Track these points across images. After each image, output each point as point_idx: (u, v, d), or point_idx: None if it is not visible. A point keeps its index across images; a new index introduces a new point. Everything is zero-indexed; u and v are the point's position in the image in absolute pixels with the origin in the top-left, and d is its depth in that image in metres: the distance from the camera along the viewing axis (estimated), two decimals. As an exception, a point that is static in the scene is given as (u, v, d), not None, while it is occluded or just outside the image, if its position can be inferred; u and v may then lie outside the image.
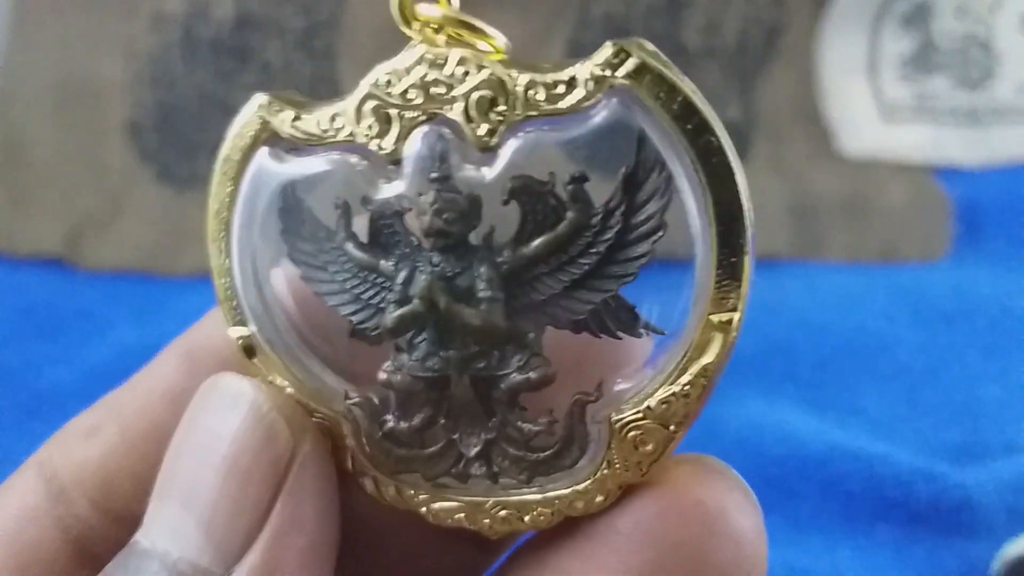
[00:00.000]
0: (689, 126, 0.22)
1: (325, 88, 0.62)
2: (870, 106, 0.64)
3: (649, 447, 0.23)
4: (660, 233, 0.22)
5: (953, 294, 0.56)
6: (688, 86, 0.22)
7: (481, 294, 0.23)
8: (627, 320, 0.23)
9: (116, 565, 0.23)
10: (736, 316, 0.23)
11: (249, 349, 0.25)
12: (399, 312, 0.23)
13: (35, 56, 0.62)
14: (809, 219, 0.60)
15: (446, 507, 0.25)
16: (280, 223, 0.24)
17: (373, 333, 0.24)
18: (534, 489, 0.24)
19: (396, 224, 0.23)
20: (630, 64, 0.22)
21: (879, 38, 0.64)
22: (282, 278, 0.25)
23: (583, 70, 0.22)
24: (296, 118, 0.24)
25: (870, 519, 0.46)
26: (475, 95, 0.22)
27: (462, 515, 0.25)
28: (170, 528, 0.23)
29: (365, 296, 0.24)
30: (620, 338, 0.23)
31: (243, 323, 0.25)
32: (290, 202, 0.24)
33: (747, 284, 0.22)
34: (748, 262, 0.22)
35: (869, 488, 0.47)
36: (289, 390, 0.25)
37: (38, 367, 0.53)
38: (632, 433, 0.23)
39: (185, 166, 0.61)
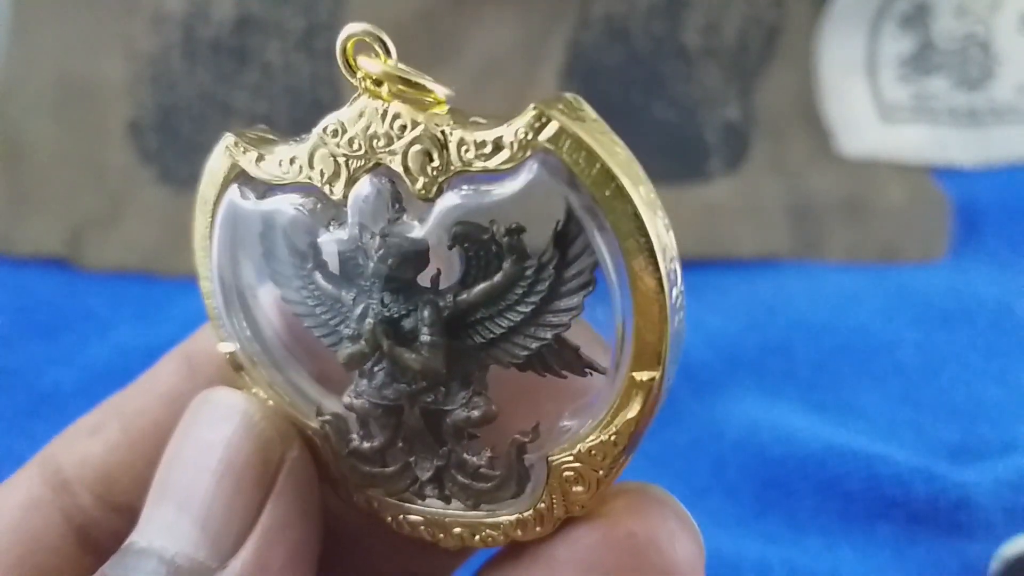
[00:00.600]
0: (607, 192, 0.22)
1: (325, 88, 0.62)
2: (869, 106, 0.64)
3: (580, 488, 0.24)
4: (590, 288, 0.23)
5: (952, 294, 0.56)
6: (606, 151, 0.22)
7: (423, 338, 0.24)
8: (571, 360, 0.24)
9: (113, 564, 0.24)
10: (656, 375, 0.23)
11: (235, 364, 0.27)
12: (349, 350, 0.25)
13: (36, 57, 0.62)
14: (808, 219, 0.61)
15: (410, 520, 0.27)
16: (261, 247, 0.26)
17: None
18: (482, 513, 0.26)
19: (360, 258, 0.24)
20: (550, 129, 0.22)
21: (878, 38, 0.64)
22: (269, 297, 0.27)
23: (508, 131, 0.22)
24: (259, 159, 0.25)
25: (869, 518, 0.46)
26: (412, 149, 0.23)
27: (424, 527, 0.27)
28: (166, 527, 0.24)
29: (332, 323, 0.26)
30: (565, 377, 0.24)
31: (229, 339, 0.27)
32: (269, 228, 0.26)
33: (666, 347, 0.22)
34: (667, 328, 0.22)
35: (868, 487, 0.47)
36: (270, 403, 0.27)
37: (39, 367, 0.53)
38: (566, 473, 0.24)
39: (185, 166, 0.61)
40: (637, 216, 0.22)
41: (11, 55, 0.62)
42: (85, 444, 0.29)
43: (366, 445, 0.26)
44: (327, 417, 0.26)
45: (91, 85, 0.61)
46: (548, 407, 0.25)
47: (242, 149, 0.25)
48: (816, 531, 0.46)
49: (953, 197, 0.61)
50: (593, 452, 0.24)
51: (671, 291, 0.22)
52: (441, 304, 0.24)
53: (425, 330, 0.24)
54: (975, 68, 0.63)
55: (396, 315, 0.24)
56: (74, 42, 0.62)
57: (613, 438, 0.23)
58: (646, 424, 0.23)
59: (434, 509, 0.26)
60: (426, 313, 0.24)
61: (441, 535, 0.27)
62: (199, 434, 0.25)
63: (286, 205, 0.25)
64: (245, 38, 0.62)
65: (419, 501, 0.26)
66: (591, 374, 0.24)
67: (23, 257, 0.58)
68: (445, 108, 0.24)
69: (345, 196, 0.24)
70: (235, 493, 0.24)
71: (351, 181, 0.24)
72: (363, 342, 0.24)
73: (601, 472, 0.24)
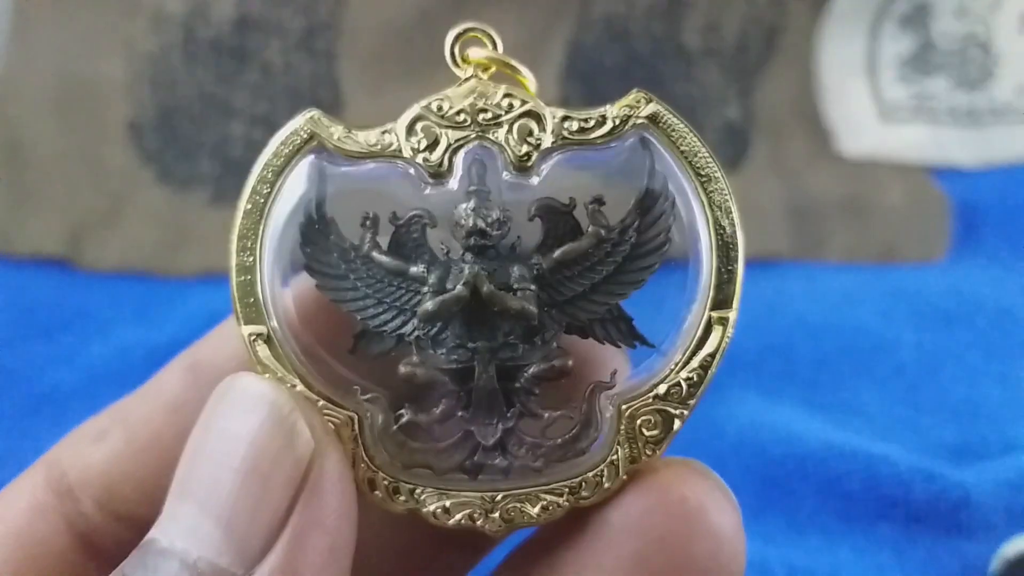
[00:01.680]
0: (695, 160, 0.26)
1: (325, 88, 0.62)
2: (869, 106, 0.64)
3: (656, 431, 0.26)
4: (666, 247, 0.27)
5: (951, 294, 0.56)
6: (693, 132, 0.27)
7: (517, 286, 0.26)
8: (625, 331, 0.27)
9: (134, 563, 0.23)
10: (732, 313, 0.26)
11: (264, 345, 0.26)
12: (441, 298, 0.26)
13: (36, 57, 0.62)
14: (808, 219, 0.61)
15: (451, 504, 0.26)
16: (300, 235, 0.27)
17: (409, 333, 0.27)
18: (543, 480, 0.26)
19: (420, 236, 0.27)
20: (650, 108, 0.27)
21: (878, 38, 0.64)
22: (289, 293, 0.27)
23: (612, 110, 0.26)
24: (347, 132, 0.27)
25: (869, 518, 0.46)
26: (518, 123, 0.26)
27: (468, 511, 0.26)
28: (189, 528, 0.23)
29: (390, 299, 0.27)
30: (619, 346, 0.27)
31: (259, 320, 0.27)
32: (313, 216, 0.27)
33: (739, 287, 0.27)
34: (740, 268, 0.26)
35: (868, 487, 0.47)
36: (299, 387, 0.26)
37: (39, 367, 0.53)
38: (641, 419, 0.26)
39: (185, 166, 0.61)
40: (720, 180, 0.26)
41: (11, 55, 0.62)
42: (89, 451, 0.28)
43: (422, 417, 0.26)
44: (370, 395, 0.26)
45: (91, 85, 0.61)
46: (602, 370, 0.27)
47: (327, 123, 0.27)
48: (816, 531, 0.46)
49: (953, 197, 0.61)
50: (671, 391, 0.26)
51: (742, 242, 0.26)
52: (531, 262, 0.27)
53: (518, 281, 0.26)
54: (975, 68, 0.63)
55: (488, 271, 0.26)
56: (74, 42, 0.62)
57: (693, 375, 0.26)
58: (719, 361, 0.26)
59: (479, 492, 0.26)
60: (517, 268, 0.26)
61: (494, 515, 0.26)
62: (223, 426, 0.23)
63: (368, 175, 0.27)
64: (245, 38, 0.62)
65: (467, 481, 0.26)
66: (636, 347, 0.27)
67: (23, 257, 0.58)
68: (534, 93, 0.27)
69: (440, 164, 0.26)
70: (262, 493, 0.23)
71: (452, 150, 0.26)
72: (461, 287, 0.26)
73: (676, 411, 0.26)
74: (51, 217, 0.59)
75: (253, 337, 0.26)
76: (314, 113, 0.27)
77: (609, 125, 0.26)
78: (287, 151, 0.27)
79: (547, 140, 0.26)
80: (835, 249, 0.60)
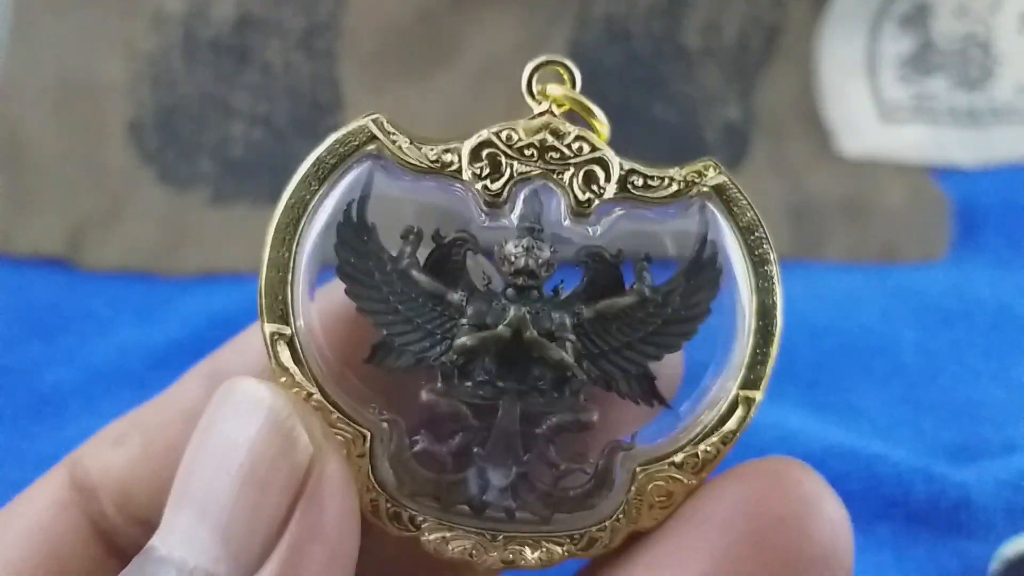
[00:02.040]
0: (751, 238, 0.26)
1: (325, 88, 0.62)
2: (869, 106, 0.64)
3: (663, 498, 0.26)
4: (705, 318, 0.27)
5: (952, 294, 0.56)
6: (755, 210, 0.27)
7: (558, 334, 0.26)
8: (647, 390, 0.27)
9: (132, 570, 0.23)
10: (759, 395, 0.27)
11: (285, 347, 0.26)
12: (482, 335, 0.26)
13: (35, 56, 0.62)
14: (808, 219, 0.61)
15: (450, 536, 0.26)
16: (337, 236, 0.26)
17: (435, 358, 0.26)
18: (546, 528, 0.26)
19: (461, 261, 0.27)
20: (718, 179, 0.26)
21: (878, 38, 0.64)
22: (319, 296, 0.26)
23: (679, 173, 0.26)
24: (411, 143, 0.26)
25: (869, 518, 0.46)
26: (585, 168, 0.26)
27: (466, 546, 0.26)
28: (186, 536, 0.22)
29: (421, 319, 0.26)
30: (638, 403, 0.27)
31: (284, 320, 0.26)
32: (353, 218, 0.26)
33: (770, 371, 0.27)
34: (774, 353, 0.27)
35: (868, 487, 0.47)
36: (316, 396, 0.26)
37: (39, 367, 0.53)
38: (654, 484, 0.26)
39: (186, 166, 0.61)
40: (771, 262, 0.27)
41: (11, 55, 0.62)
42: (109, 454, 0.28)
43: (436, 447, 0.26)
44: (388, 416, 0.26)
45: (91, 85, 0.61)
46: (623, 428, 0.27)
47: (390, 130, 0.26)
48: (816, 531, 0.46)
49: (953, 197, 0.61)
50: (686, 462, 0.26)
51: (780, 327, 0.27)
52: (575, 311, 0.26)
53: (562, 329, 0.26)
54: (975, 68, 0.63)
55: (533, 312, 0.26)
56: (74, 42, 0.62)
57: (711, 448, 0.26)
58: (738, 439, 0.27)
59: (484, 528, 0.26)
60: (559, 315, 0.26)
61: (493, 553, 0.26)
62: (220, 430, 0.23)
63: (420, 191, 0.27)
64: (245, 38, 0.62)
65: (470, 516, 0.26)
66: (654, 405, 0.27)
67: (23, 257, 0.58)
68: (605, 139, 0.27)
69: (498, 194, 0.26)
70: (259, 500, 0.22)
71: (514, 183, 0.26)
72: (504, 327, 0.26)
73: (689, 481, 0.26)
74: (50, 217, 0.59)
75: (276, 337, 0.26)
76: (379, 117, 0.26)
77: (674, 188, 0.26)
78: (342, 151, 0.26)
79: (610, 191, 0.26)
80: (835, 249, 0.60)
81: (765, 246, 0.26)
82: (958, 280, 0.57)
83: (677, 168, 0.27)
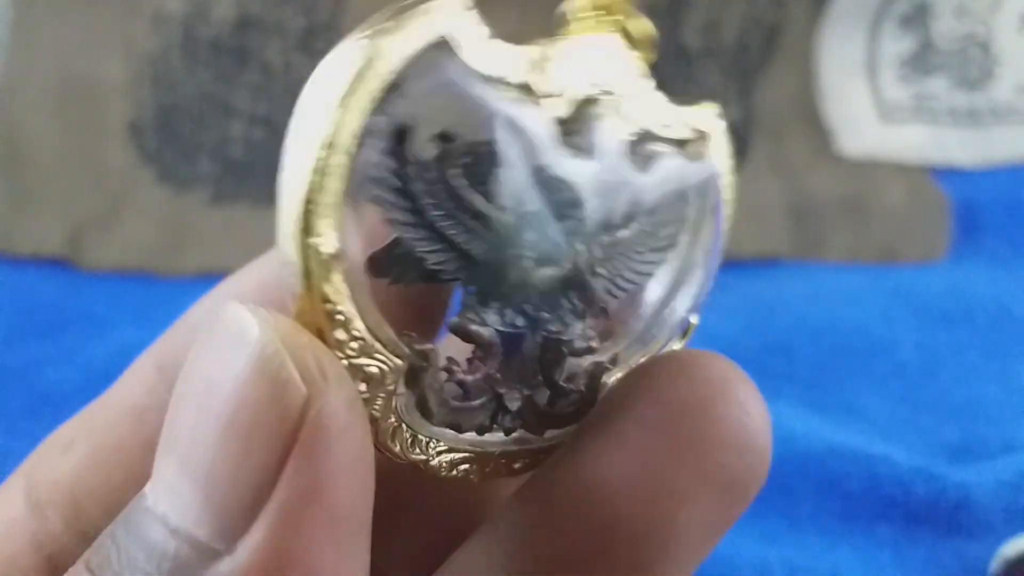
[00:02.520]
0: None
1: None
2: (869, 106, 0.64)
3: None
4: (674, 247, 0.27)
5: (952, 294, 0.56)
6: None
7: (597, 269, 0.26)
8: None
9: (120, 522, 0.20)
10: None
11: (337, 265, 0.22)
12: (549, 272, 0.25)
13: (35, 56, 0.62)
14: (808, 219, 0.60)
15: (456, 459, 0.25)
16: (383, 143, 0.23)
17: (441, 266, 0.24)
18: (535, 444, 0.26)
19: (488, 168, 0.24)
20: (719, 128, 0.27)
21: (878, 38, 0.64)
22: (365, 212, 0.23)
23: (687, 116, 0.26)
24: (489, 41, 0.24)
25: (869, 518, 0.46)
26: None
27: (467, 465, 0.25)
28: (169, 488, 0.19)
29: (453, 234, 0.24)
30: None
31: (329, 235, 0.21)
32: (398, 122, 0.23)
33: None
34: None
35: (868, 487, 0.46)
36: (362, 329, 0.22)
37: (39, 367, 0.53)
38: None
39: (186, 166, 0.61)
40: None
41: (11, 55, 0.62)
42: (57, 462, 0.26)
43: (468, 377, 0.25)
44: (423, 346, 0.23)
45: (91, 85, 0.61)
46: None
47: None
48: (816, 531, 0.46)
49: (953, 197, 0.61)
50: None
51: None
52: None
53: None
54: (975, 68, 0.63)
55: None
56: (74, 42, 0.62)
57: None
58: None
59: (479, 448, 0.25)
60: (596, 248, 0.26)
61: (487, 468, 0.25)
62: (204, 367, 0.19)
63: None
64: (245, 38, 0.62)
65: (476, 438, 0.25)
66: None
67: (23, 257, 0.58)
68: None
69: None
70: (243, 453, 0.19)
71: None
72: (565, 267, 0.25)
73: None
74: (50, 217, 0.59)
75: (330, 253, 0.21)
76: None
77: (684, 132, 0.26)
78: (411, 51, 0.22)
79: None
80: (835, 249, 0.60)
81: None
82: (958, 280, 0.57)
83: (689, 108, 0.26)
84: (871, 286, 0.57)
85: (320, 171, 0.21)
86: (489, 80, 0.24)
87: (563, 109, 0.24)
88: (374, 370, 0.23)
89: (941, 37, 0.63)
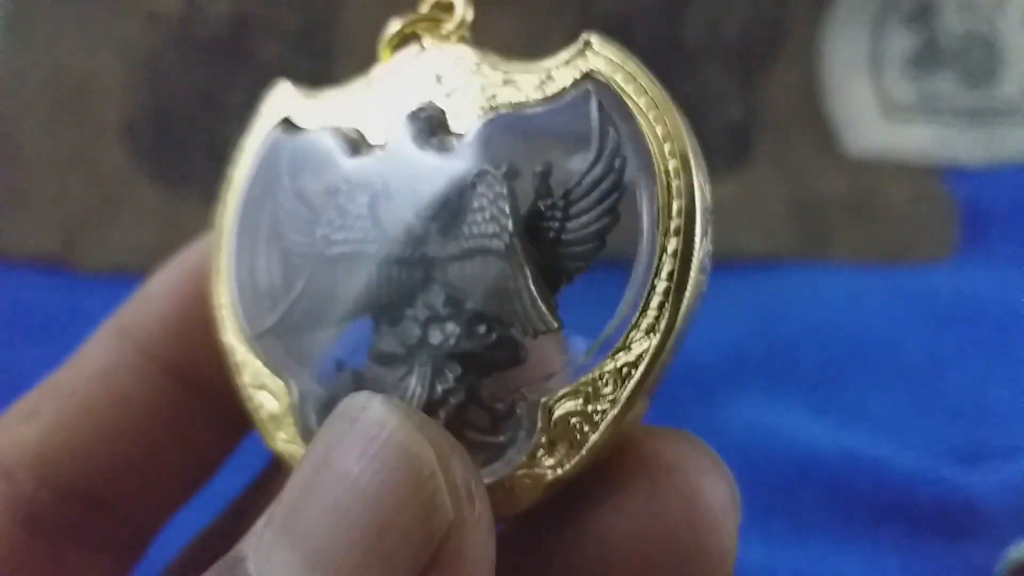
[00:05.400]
0: (654, 130, 0.23)
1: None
2: (873, 105, 0.63)
3: (581, 428, 0.23)
4: (603, 241, 0.23)
5: (958, 295, 0.56)
6: (654, 87, 0.24)
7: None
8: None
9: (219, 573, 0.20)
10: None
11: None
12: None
13: (30, 56, 0.61)
14: (812, 219, 0.60)
15: None
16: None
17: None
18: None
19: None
20: (596, 59, 0.24)
21: (882, 36, 0.63)
22: None
23: (554, 63, 0.24)
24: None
25: (874, 521, 0.46)
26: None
27: None
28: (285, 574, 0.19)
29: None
30: (536, 337, 0.24)
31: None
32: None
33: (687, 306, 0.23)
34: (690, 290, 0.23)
35: (873, 490, 0.46)
36: (238, 355, 0.26)
37: (34, 368, 0.53)
38: (563, 416, 0.23)
39: (181, 166, 0.61)
40: (693, 165, 0.23)
41: (5, 54, 0.62)
42: (21, 430, 0.27)
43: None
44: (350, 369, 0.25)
45: (85, 84, 0.61)
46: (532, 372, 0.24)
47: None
48: (821, 534, 0.46)
49: (959, 197, 0.61)
50: (601, 383, 0.23)
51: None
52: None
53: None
54: (979, 67, 0.63)
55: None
56: (69, 41, 0.62)
57: (625, 368, 0.23)
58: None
59: None
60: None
61: None
62: (346, 469, 0.19)
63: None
64: (241, 37, 0.62)
65: None
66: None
67: (17, 258, 0.58)
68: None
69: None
70: (382, 568, 0.18)
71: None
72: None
73: (603, 408, 0.23)
74: (45, 217, 0.59)
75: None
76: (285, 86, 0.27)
77: (559, 84, 0.24)
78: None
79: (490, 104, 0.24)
80: (839, 249, 0.60)
81: (670, 139, 0.23)
82: (964, 280, 0.57)
83: (553, 58, 0.24)
84: (876, 287, 0.56)
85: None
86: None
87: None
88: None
89: (946, 35, 0.63)
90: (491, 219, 0.23)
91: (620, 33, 0.67)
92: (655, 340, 0.22)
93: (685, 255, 0.22)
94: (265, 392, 0.26)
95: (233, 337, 0.26)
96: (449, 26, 0.26)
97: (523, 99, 0.24)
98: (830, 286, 0.57)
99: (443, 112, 0.25)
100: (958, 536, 0.45)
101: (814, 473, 0.47)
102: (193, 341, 0.27)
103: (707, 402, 0.50)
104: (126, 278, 0.59)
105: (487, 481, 0.23)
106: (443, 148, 0.25)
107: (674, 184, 0.22)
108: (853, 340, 0.53)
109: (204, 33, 0.62)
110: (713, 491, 0.23)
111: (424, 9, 0.26)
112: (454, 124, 0.24)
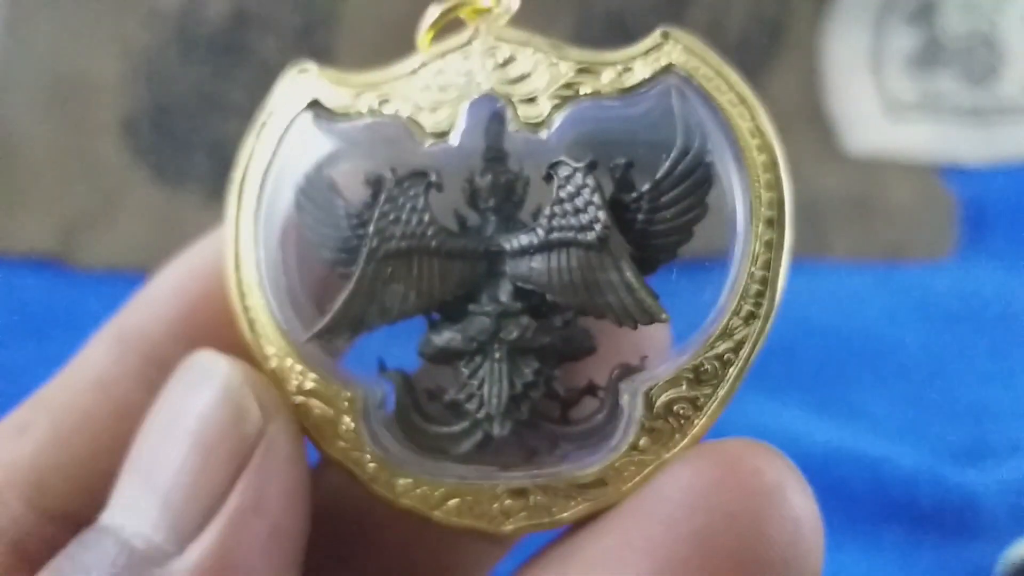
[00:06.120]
0: (740, 124, 0.24)
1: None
2: (875, 103, 0.63)
3: (685, 414, 0.23)
4: (698, 223, 0.24)
5: (958, 294, 0.56)
6: (740, 85, 0.24)
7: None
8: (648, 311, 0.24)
9: (76, 542, 0.22)
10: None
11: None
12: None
13: (29, 53, 0.61)
14: (813, 218, 0.60)
15: (459, 503, 0.24)
16: (296, 200, 0.25)
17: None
18: (565, 468, 0.24)
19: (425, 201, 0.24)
20: (677, 53, 0.24)
21: (884, 35, 0.63)
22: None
23: (638, 52, 0.24)
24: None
25: (875, 521, 0.46)
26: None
27: (476, 514, 0.24)
28: (130, 503, 0.22)
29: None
30: (635, 326, 0.24)
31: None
32: (312, 178, 0.25)
33: (783, 270, 0.24)
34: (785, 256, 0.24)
35: (874, 490, 0.46)
36: (274, 362, 0.24)
37: (32, 366, 0.53)
38: (676, 406, 0.23)
39: (180, 164, 0.61)
40: (775, 152, 0.23)
41: (4, 52, 0.61)
42: (11, 447, 0.26)
43: (445, 396, 0.24)
44: (392, 371, 0.25)
45: (85, 82, 0.61)
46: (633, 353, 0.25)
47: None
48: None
49: (959, 196, 0.60)
50: (704, 370, 0.23)
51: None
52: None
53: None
54: (981, 65, 0.63)
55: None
56: (68, 39, 0.61)
57: (728, 354, 0.23)
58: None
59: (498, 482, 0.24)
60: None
61: (496, 522, 0.24)
62: (173, 401, 0.23)
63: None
64: (241, 34, 0.62)
65: (474, 460, 0.24)
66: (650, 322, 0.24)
67: (15, 256, 0.58)
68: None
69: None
70: (203, 468, 0.22)
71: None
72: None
73: (710, 392, 0.23)
74: (43, 215, 0.59)
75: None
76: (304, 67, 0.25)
77: (639, 76, 0.24)
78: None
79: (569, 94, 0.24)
80: (840, 248, 0.60)
81: (758, 134, 0.23)
82: (964, 279, 0.57)
83: (633, 49, 0.24)
84: (876, 285, 0.56)
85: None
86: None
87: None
88: (288, 411, 0.24)
89: (946, 34, 0.63)
90: (576, 211, 0.23)
91: (620, 30, 0.67)
92: (756, 326, 0.23)
93: (779, 245, 0.24)
94: (315, 399, 0.25)
95: (272, 341, 0.25)
96: (499, 11, 0.26)
97: (601, 89, 0.23)
98: (831, 284, 0.57)
99: (512, 100, 0.24)
100: (958, 534, 0.45)
101: (813, 472, 0.46)
102: (204, 345, 0.26)
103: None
104: (124, 276, 0.59)
105: (589, 471, 0.23)
106: (512, 138, 0.24)
107: (763, 177, 0.23)
108: (853, 339, 0.53)
109: (203, 30, 0.62)
110: (804, 501, 0.22)
111: None
112: (525, 113, 0.24)
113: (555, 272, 0.23)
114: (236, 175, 0.26)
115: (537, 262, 0.24)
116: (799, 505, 0.21)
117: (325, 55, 0.62)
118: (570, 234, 0.23)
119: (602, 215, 0.23)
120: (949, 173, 0.62)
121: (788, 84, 0.63)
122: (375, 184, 0.24)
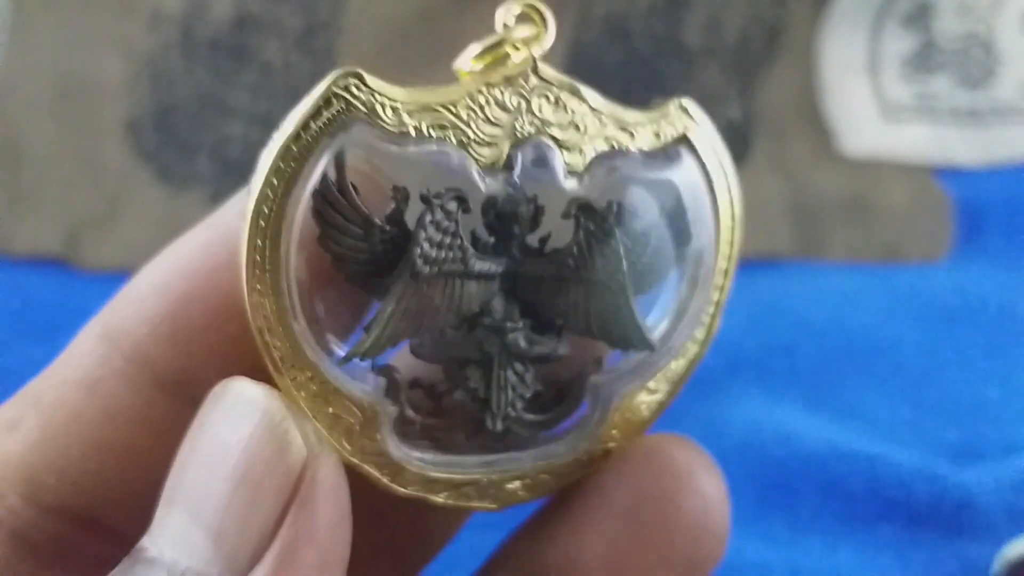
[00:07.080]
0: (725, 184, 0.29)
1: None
2: (871, 105, 0.63)
3: (647, 414, 0.28)
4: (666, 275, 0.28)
5: (954, 294, 0.56)
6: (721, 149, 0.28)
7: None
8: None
9: (120, 572, 0.22)
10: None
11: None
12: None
13: (33, 55, 0.62)
14: (809, 219, 0.60)
15: (458, 480, 0.27)
16: (314, 202, 0.25)
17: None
18: (533, 454, 0.27)
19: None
20: (683, 121, 0.27)
21: (880, 37, 0.63)
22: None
23: (653, 118, 0.27)
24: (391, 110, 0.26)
25: (871, 520, 0.46)
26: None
27: (469, 491, 0.27)
28: (178, 537, 0.22)
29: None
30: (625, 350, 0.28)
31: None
32: (331, 181, 0.25)
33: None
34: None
35: (870, 489, 0.46)
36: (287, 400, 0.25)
37: (36, 368, 0.53)
38: (627, 401, 0.27)
39: (184, 166, 0.61)
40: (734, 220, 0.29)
41: (8, 54, 0.62)
42: (3, 441, 0.26)
43: (458, 395, 0.26)
44: (400, 376, 0.26)
45: (89, 84, 0.61)
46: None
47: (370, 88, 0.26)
48: (817, 532, 0.46)
49: (955, 197, 0.61)
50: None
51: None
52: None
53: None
54: (977, 67, 0.63)
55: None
56: (72, 41, 0.62)
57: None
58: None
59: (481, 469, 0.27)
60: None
61: (482, 501, 0.27)
62: (214, 432, 0.23)
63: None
64: (244, 37, 0.62)
65: (466, 453, 0.27)
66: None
67: (20, 257, 0.58)
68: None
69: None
70: (252, 502, 0.22)
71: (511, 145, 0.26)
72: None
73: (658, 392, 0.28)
74: (48, 217, 0.59)
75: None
76: (356, 75, 0.26)
77: (656, 141, 0.27)
78: (318, 126, 0.25)
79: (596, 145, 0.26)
80: (837, 249, 0.60)
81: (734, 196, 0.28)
82: (960, 280, 0.57)
83: (651, 113, 0.27)
84: (873, 286, 0.57)
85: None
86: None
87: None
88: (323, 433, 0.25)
89: (943, 36, 0.63)
90: (599, 255, 0.26)
91: (619, 33, 0.67)
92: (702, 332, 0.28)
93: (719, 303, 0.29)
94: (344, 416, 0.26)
95: (301, 357, 0.25)
96: (538, 49, 0.28)
97: (633, 146, 0.26)
98: (827, 285, 0.57)
99: (556, 143, 0.26)
100: (954, 534, 0.46)
101: (811, 471, 0.47)
102: (189, 347, 0.26)
103: (704, 400, 0.50)
104: (129, 278, 0.59)
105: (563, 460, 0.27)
106: (546, 178, 0.26)
107: (730, 234, 0.29)
108: (849, 339, 0.53)
109: (206, 33, 0.62)
110: (709, 480, 0.27)
111: (509, 24, 0.28)
112: (571, 160, 0.26)
113: (572, 304, 0.27)
114: (265, 160, 0.25)
115: (553, 291, 0.27)
116: (707, 483, 0.27)
117: (327, 58, 0.62)
118: (591, 274, 0.26)
119: (624, 266, 0.26)
120: (945, 174, 0.62)
121: (785, 86, 0.63)
122: (402, 197, 0.25)
